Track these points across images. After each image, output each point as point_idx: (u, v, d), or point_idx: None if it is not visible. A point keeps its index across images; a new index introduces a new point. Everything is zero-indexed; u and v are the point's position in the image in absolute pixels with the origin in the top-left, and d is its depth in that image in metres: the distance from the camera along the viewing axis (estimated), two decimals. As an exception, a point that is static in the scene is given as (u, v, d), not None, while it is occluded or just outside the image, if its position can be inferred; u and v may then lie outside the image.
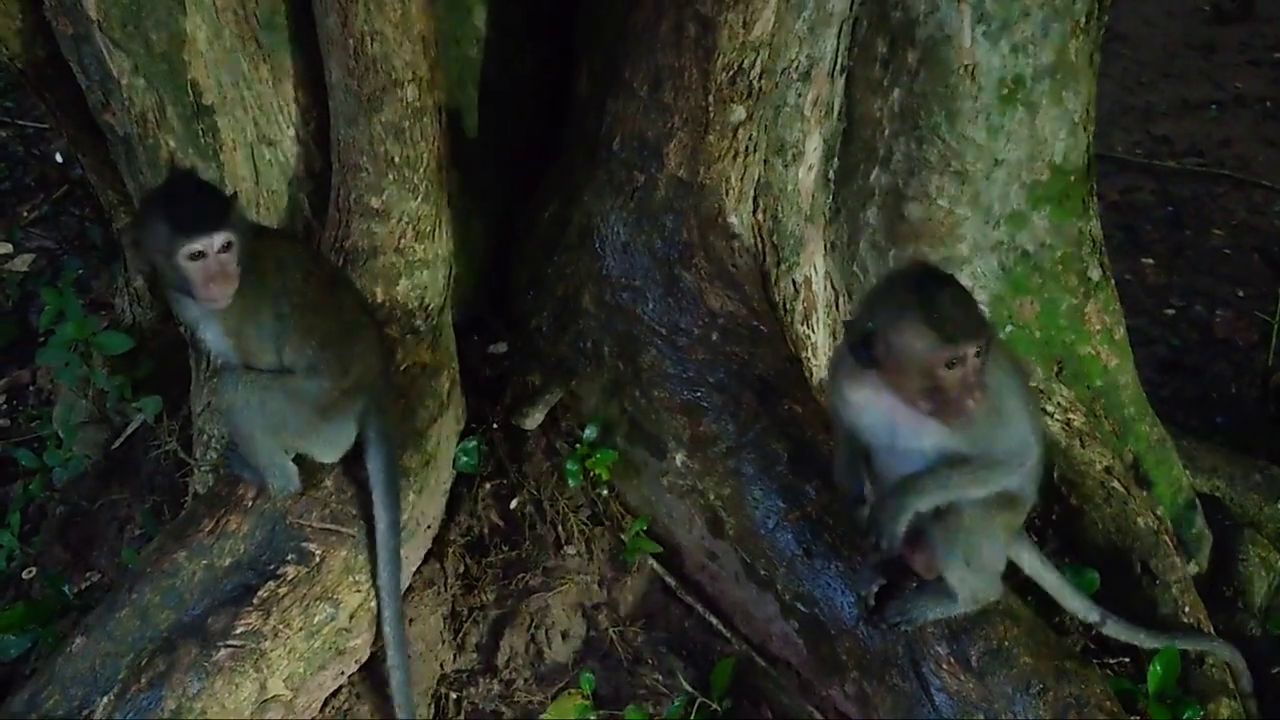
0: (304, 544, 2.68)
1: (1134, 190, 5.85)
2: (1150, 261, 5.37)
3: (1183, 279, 5.24)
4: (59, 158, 5.71)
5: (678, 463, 2.96)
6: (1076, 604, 2.78)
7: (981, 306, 2.30)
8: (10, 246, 5.35)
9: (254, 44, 2.83)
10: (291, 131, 2.96)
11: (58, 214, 5.52)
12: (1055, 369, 3.21)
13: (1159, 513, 3.23)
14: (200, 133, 2.89)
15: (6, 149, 6.02)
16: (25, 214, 5.59)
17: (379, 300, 2.94)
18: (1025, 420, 2.38)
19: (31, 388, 4.59)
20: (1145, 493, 3.26)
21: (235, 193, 2.54)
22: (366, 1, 2.65)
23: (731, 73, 2.77)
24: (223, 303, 2.42)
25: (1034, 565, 2.73)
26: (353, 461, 2.76)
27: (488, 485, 3.09)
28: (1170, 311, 5.04)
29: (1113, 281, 3.30)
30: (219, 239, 2.35)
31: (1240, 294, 5.09)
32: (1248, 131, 6.24)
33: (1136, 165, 6.01)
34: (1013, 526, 2.53)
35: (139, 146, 2.94)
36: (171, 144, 2.90)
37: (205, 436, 3.20)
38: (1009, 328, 3.15)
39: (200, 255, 2.35)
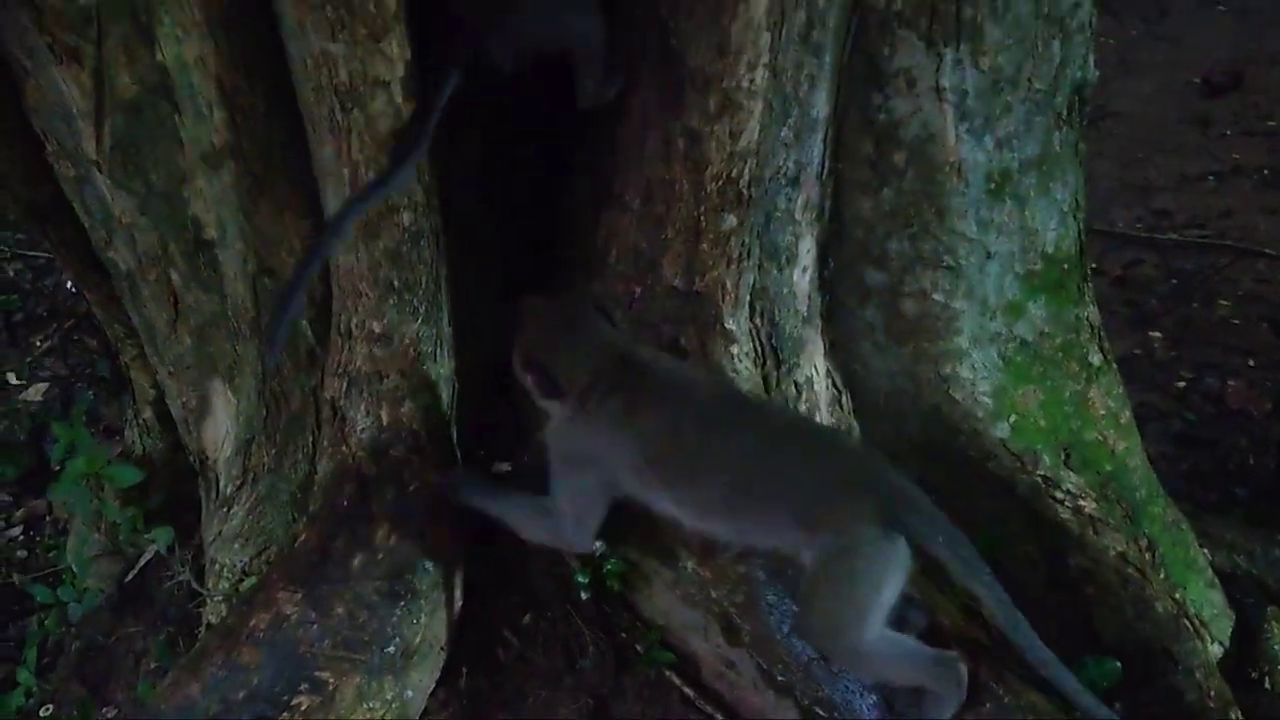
0: (317, 673, 2.66)
1: (1137, 265, 5.86)
2: (1158, 335, 5.36)
3: (1192, 351, 5.23)
4: (71, 286, 5.78)
5: (689, 570, 2.95)
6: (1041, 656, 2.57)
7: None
8: (24, 379, 5.40)
9: (251, 178, 2.87)
10: (292, 260, 3.00)
11: (69, 344, 5.58)
12: (1063, 456, 3.20)
13: (1178, 596, 3.20)
14: (202, 266, 2.93)
15: (18, 282, 6.10)
16: (38, 344, 5.65)
17: (385, 423, 2.98)
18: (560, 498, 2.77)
19: (48, 518, 4.60)
20: (1162, 576, 3.23)
21: None
22: (360, 132, 2.70)
23: (721, 182, 2.80)
24: None
25: (996, 605, 2.56)
26: (362, 579, 2.78)
27: (499, 602, 3.08)
28: (1181, 384, 5.02)
29: (1115, 366, 3.30)
30: None
31: (1251, 364, 5.07)
32: (1247, 202, 6.27)
33: (1138, 240, 6.04)
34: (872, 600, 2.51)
35: (142, 282, 2.99)
36: (174, 278, 2.94)
37: (218, 566, 3.21)
38: (1013, 418, 3.15)
39: None
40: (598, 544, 2.99)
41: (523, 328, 2.77)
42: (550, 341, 2.74)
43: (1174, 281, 5.72)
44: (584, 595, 3.04)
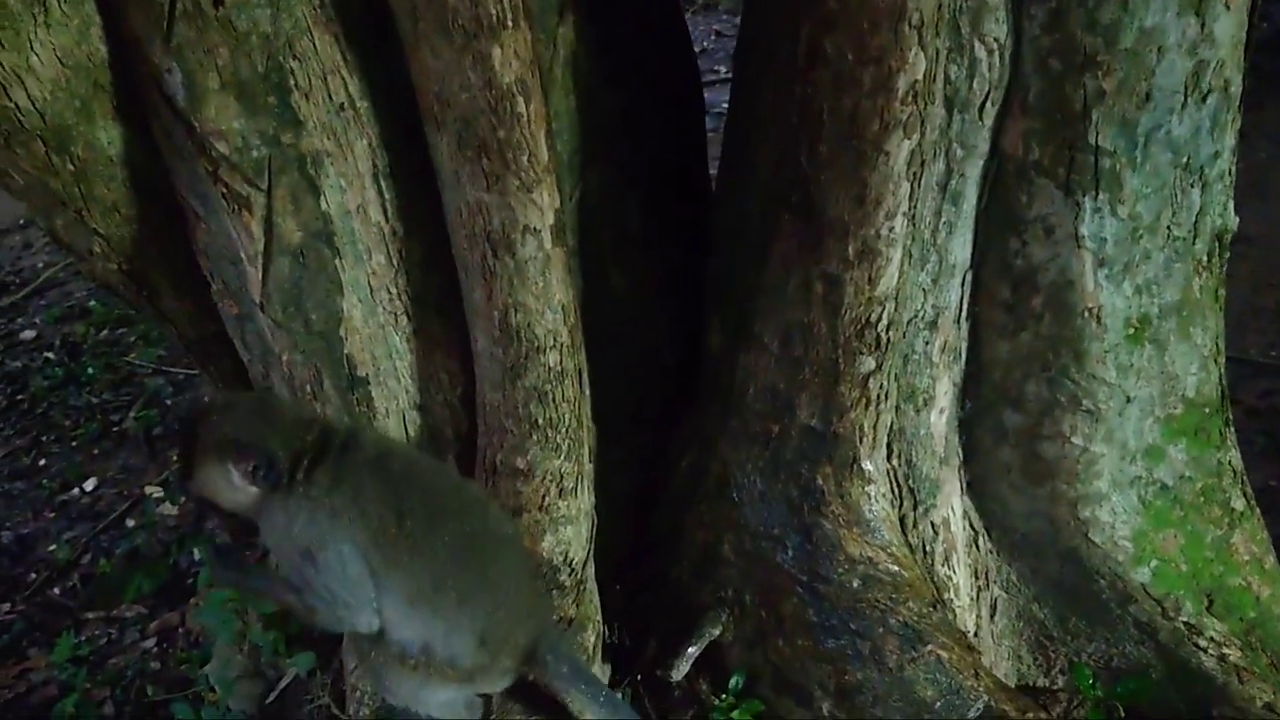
0: (456, 807, 2.71)
1: (1273, 394, 5.72)
2: (1297, 466, 5.22)
3: (1334, 484, 5.08)
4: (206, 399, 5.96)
5: (824, 712, 2.94)
6: None
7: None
8: (162, 490, 5.58)
9: (405, 318, 3.01)
10: (440, 397, 3.11)
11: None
12: (1205, 603, 3.14)
13: (1329, 748, 3.10)
14: (355, 401, 3.04)
15: (159, 395, 6.33)
16: (175, 458, 5.84)
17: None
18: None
19: (181, 629, 4.72)
20: (1313, 727, 3.14)
21: None
22: (510, 276, 2.81)
23: (859, 326, 2.85)
24: None
25: None
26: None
27: (635, 739, 3.09)
28: (1326, 517, 4.88)
29: (1258, 510, 3.24)
30: None
31: (1397, 495, 4.91)
32: (1385, 328, 6.12)
33: (1273, 368, 5.91)
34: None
35: (297, 416, 3.12)
36: (328, 413, 3.06)
37: (359, 693, 3.26)
38: (1154, 562, 3.10)
39: None
40: (734, 680, 3.02)
41: (206, 422, 2.50)
42: (249, 428, 2.48)
43: (1312, 411, 5.58)
44: (716, 743, 3.04)
